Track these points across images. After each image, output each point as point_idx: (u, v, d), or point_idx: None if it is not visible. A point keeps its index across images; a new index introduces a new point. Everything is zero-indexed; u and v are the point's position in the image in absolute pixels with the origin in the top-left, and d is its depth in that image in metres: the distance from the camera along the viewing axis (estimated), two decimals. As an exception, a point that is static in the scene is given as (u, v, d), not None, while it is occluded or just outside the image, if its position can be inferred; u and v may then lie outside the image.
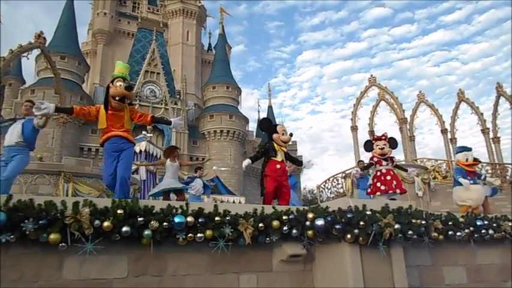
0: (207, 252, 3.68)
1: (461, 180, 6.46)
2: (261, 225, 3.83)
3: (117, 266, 3.38)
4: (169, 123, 5.27)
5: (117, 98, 4.50)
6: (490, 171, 15.79)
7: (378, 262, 3.98)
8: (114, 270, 3.36)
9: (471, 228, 5.02)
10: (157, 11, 53.66)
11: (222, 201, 16.71)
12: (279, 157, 5.40)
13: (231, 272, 3.84)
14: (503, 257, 5.35)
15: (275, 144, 5.46)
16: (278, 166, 5.34)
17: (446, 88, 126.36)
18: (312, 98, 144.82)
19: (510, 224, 5.28)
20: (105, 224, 3.19)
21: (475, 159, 6.84)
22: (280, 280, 4.04)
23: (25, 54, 15.47)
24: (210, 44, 57.80)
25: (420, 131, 41.83)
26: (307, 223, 4.02)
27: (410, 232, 4.10)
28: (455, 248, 4.99)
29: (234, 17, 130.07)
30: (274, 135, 5.51)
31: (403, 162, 16.23)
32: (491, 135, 18.25)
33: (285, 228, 3.96)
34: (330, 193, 17.41)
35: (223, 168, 37.53)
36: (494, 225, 5.20)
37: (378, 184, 6.19)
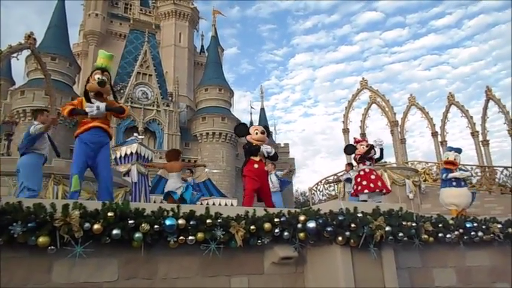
0: (198, 255, 3.66)
1: (452, 174, 6.42)
2: (252, 227, 3.83)
3: (107, 270, 3.35)
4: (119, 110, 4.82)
5: (91, 94, 4.44)
6: (479, 173, 15.97)
7: (369, 264, 3.99)
8: (104, 274, 3.33)
9: (461, 230, 5.07)
10: (150, 12, 53.50)
11: (213, 204, 16.66)
12: (258, 157, 5.39)
13: (222, 274, 3.82)
14: (493, 258, 5.41)
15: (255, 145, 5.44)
16: (256, 166, 5.32)
17: (437, 91, 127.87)
18: (305, 101, 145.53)
19: (499, 226, 5.34)
20: (95, 226, 3.16)
21: (452, 162, 6.71)
22: (272, 282, 4.04)
23: (15, 55, 15.29)
24: (202, 46, 57.78)
25: (411, 133, 42.40)
26: (299, 225, 4.02)
27: (401, 234, 4.12)
28: (445, 250, 5.04)
29: (227, 19, 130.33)
30: (247, 137, 5.50)
31: (394, 165, 16.34)
32: (480, 138, 18.48)
33: (276, 230, 3.96)
34: (322, 195, 17.47)
35: (215, 171, 37.51)
36: (484, 227, 5.26)
37: (364, 182, 6.21)
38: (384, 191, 6.26)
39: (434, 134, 19.83)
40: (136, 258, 3.44)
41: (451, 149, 7.03)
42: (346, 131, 18.34)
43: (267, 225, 3.91)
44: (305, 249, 4.21)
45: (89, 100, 4.47)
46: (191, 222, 3.58)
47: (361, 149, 6.39)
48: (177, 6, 51.80)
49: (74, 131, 4.93)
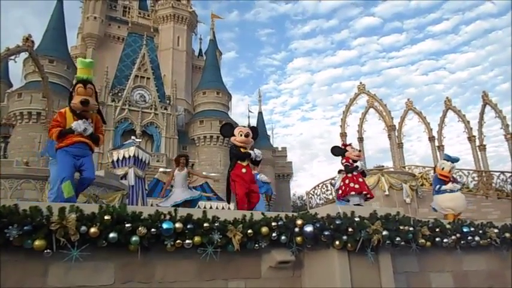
0: (195, 258, 3.65)
1: (445, 187, 6.52)
2: (249, 231, 3.82)
3: (104, 273, 3.33)
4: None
5: (77, 112, 4.37)
6: (476, 178, 16.02)
7: (366, 269, 3.99)
8: (100, 277, 3.31)
9: (458, 235, 5.08)
10: (148, 16, 53.62)
11: (211, 207, 16.64)
12: (245, 161, 5.35)
13: (219, 278, 3.81)
14: (489, 263, 5.42)
15: (241, 148, 5.39)
16: (244, 170, 5.27)
17: (434, 96, 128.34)
18: (303, 105, 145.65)
19: (496, 231, 5.35)
20: (92, 230, 3.15)
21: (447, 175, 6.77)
22: (269, 286, 4.03)
23: (12, 57, 15.27)
24: (200, 50, 57.87)
25: (408, 138, 42.59)
26: (296, 229, 4.02)
27: (398, 239, 4.13)
28: (442, 254, 5.04)
29: (226, 24, 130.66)
30: (232, 138, 5.45)
31: (392, 169, 16.38)
32: (477, 142, 18.55)
33: (273, 234, 3.96)
34: (319, 199, 17.47)
35: (212, 174, 37.38)
36: (481, 232, 5.27)
37: (352, 184, 6.19)
38: (369, 195, 6.28)
39: (431, 139, 19.89)
40: (133, 262, 3.42)
41: (448, 157, 7.05)
42: (343, 135, 18.37)
43: (264, 229, 3.90)
44: (302, 253, 4.20)
45: (74, 112, 4.41)
46: (188, 226, 3.57)
47: (354, 153, 6.34)
48: (176, 10, 51.91)
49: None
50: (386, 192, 13.19)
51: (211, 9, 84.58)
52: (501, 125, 17.94)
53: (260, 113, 55.69)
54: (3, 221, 2.88)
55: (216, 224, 3.71)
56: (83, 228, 3.11)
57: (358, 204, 6.12)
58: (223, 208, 15.55)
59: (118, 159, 14.89)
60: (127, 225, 3.30)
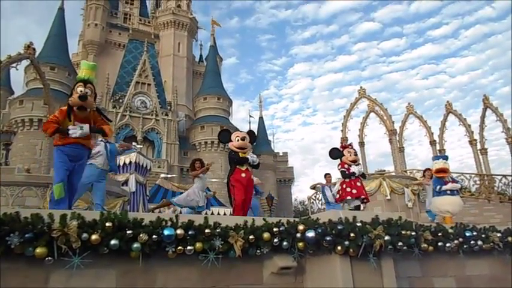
0: (196, 265, 3.63)
1: (445, 187, 6.53)
2: (251, 237, 3.81)
3: (105, 280, 3.32)
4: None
5: (75, 108, 4.40)
6: (478, 181, 15.97)
7: (369, 274, 3.97)
8: (102, 284, 3.30)
9: (460, 239, 5.05)
10: (149, 22, 53.92)
11: (212, 213, 16.61)
12: (244, 165, 5.35)
13: (221, 285, 3.79)
14: (492, 267, 5.39)
15: (240, 153, 5.39)
16: (243, 175, 5.27)
17: (435, 100, 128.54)
18: (303, 110, 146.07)
19: (498, 235, 5.33)
20: (93, 237, 3.14)
21: (443, 169, 6.75)
22: (271, 293, 4.01)
23: (14, 64, 15.34)
24: (201, 56, 58.10)
25: (410, 142, 42.56)
26: (298, 235, 4.00)
27: (400, 243, 4.11)
28: (445, 259, 5.01)
29: (227, 30, 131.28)
30: (229, 144, 5.46)
31: (393, 173, 16.34)
32: (478, 146, 18.49)
33: (275, 240, 3.94)
34: (321, 204, 17.41)
35: (213, 180, 37.32)
36: (483, 236, 5.25)
37: (348, 189, 6.17)
38: (365, 199, 6.28)
39: (432, 143, 19.85)
40: (135, 269, 3.41)
41: (437, 158, 7.06)
42: (344, 139, 18.34)
43: (266, 235, 3.89)
44: (304, 259, 4.19)
45: (70, 114, 4.43)
46: (190, 232, 3.56)
47: (350, 156, 6.29)
48: (176, 17, 52.19)
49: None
50: (388, 197, 13.13)
51: (212, 15, 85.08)
52: (502, 128, 17.90)
53: (261, 118, 55.74)
54: (5, 228, 2.88)
55: (217, 230, 3.70)
56: (85, 235, 3.10)
57: (357, 207, 6.11)
58: (224, 214, 15.51)
59: (119, 165, 14.90)
60: (128, 232, 3.29)
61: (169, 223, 3.52)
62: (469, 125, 19.04)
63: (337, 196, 6.49)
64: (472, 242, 5.11)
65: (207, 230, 3.64)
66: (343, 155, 6.31)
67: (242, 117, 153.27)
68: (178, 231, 3.49)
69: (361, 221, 4.01)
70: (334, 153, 6.43)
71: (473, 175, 16.26)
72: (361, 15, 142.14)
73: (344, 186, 6.24)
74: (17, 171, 11.19)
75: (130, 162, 14.79)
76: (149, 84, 40.70)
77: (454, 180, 6.95)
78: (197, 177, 7.81)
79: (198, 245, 3.56)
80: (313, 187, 11.80)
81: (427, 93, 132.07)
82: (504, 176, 15.34)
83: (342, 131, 18.62)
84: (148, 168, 15.88)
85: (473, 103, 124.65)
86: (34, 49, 15.92)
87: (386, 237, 3.98)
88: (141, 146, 27.07)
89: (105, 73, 40.54)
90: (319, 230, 3.91)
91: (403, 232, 4.23)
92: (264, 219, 4.11)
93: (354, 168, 6.21)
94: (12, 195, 10.03)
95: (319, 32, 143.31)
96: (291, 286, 4.13)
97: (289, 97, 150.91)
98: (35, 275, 3.09)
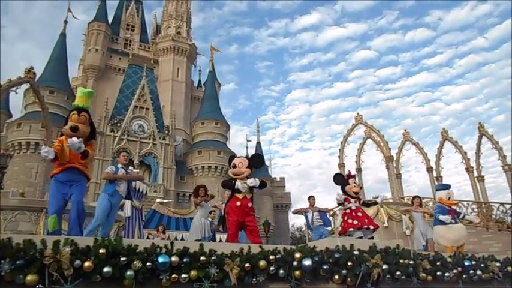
0: (191, 293, 3.55)
1: (441, 217, 6.51)
2: (247, 265, 3.73)
3: (97, 309, 3.23)
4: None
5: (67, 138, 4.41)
6: (475, 209, 15.89)
7: (367, 304, 3.88)
8: (93, 314, 3.20)
9: (459, 269, 4.98)
10: (149, 48, 54.81)
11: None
12: (241, 193, 5.27)
13: (215, 314, 3.69)
14: (492, 298, 5.29)
15: (238, 181, 5.33)
16: (238, 203, 5.20)
17: (431, 127, 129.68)
18: (301, 136, 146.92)
19: (498, 265, 5.26)
20: (86, 264, 3.07)
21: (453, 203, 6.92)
22: (267, 323, 3.90)
23: (14, 88, 15.45)
24: (200, 81, 58.83)
25: (407, 168, 42.66)
26: (295, 263, 3.93)
27: (398, 272, 4.05)
28: (444, 289, 4.92)
29: (226, 56, 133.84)
30: (229, 171, 5.44)
31: (391, 200, 16.27)
32: (475, 173, 18.53)
33: (271, 268, 3.87)
34: (329, 226, 17.21)
35: (211, 205, 37.01)
36: (482, 265, 5.17)
37: (350, 220, 6.14)
38: (372, 227, 6.19)
39: (429, 170, 19.88)
40: (127, 297, 3.32)
41: (443, 186, 7.07)
42: (341, 165, 18.34)
43: (262, 263, 3.82)
44: (301, 288, 4.10)
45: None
46: (184, 260, 3.49)
47: (355, 188, 6.33)
48: (176, 43, 53.12)
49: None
50: (386, 224, 13.02)
51: (212, 42, 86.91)
52: (498, 156, 17.99)
53: (258, 143, 55.91)
54: (-4, 255, 2.82)
55: (213, 258, 3.63)
56: (77, 262, 3.04)
57: (370, 238, 6.04)
58: (220, 240, 15.29)
59: (115, 189, 14.78)
60: (122, 258, 3.23)
61: (164, 250, 3.46)
62: (465, 152, 19.14)
63: (340, 228, 6.45)
64: (471, 271, 5.03)
65: (202, 258, 3.57)
66: (348, 184, 6.34)
67: (240, 141, 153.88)
68: (173, 259, 3.43)
69: (358, 249, 3.96)
70: (338, 179, 6.46)
71: (470, 203, 16.19)
72: (357, 44, 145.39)
73: (345, 218, 6.21)
74: (11, 195, 11.08)
75: (126, 186, 14.67)
76: (147, 109, 40.95)
77: (456, 213, 6.96)
78: (199, 205, 7.74)
79: (193, 272, 3.49)
80: (297, 212, 11.50)
81: (423, 120, 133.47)
82: (502, 203, 15.28)
83: (339, 157, 18.65)
84: (144, 192, 15.70)
85: (468, 130, 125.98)
86: (34, 73, 16.09)
87: (384, 266, 3.92)
88: (138, 171, 26.88)
89: (104, 97, 40.84)
90: (316, 258, 3.85)
91: (401, 261, 4.17)
92: (260, 247, 4.05)
93: (351, 201, 6.22)
94: (5, 220, 9.89)
95: (317, 60, 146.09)
96: (287, 316, 4.03)
97: (286, 123, 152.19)
98: (24, 303, 3.00)
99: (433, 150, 20.54)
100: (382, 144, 18.60)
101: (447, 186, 7.10)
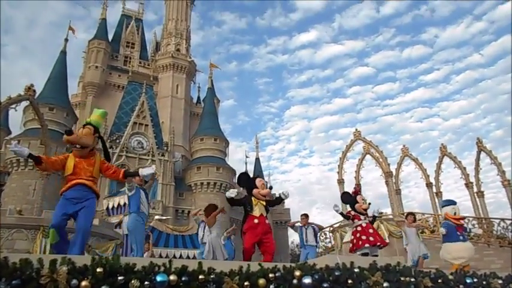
0: (189, 313, 3.49)
1: (440, 229, 6.47)
2: (246, 283, 3.68)
3: (93, 330, 3.17)
4: (137, 174, 5.17)
5: (77, 154, 4.44)
6: (476, 225, 15.80)
7: (368, 323, 3.82)
8: (89, 335, 3.14)
9: (461, 286, 4.91)
10: (148, 65, 55.31)
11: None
12: (257, 212, 5.27)
13: (214, 335, 3.62)
14: (496, 316, 5.20)
15: (253, 199, 5.37)
16: (256, 221, 5.22)
17: (430, 143, 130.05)
18: (300, 151, 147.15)
19: (500, 282, 5.19)
20: (83, 283, 3.02)
21: (456, 217, 6.87)
22: None
23: (13, 105, 15.52)
24: (199, 97, 59.18)
25: (407, 184, 42.69)
26: (294, 281, 3.88)
27: (399, 291, 4.00)
28: (446, 307, 4.84)
29: (225, 73, 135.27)
30: (254, 190, 5.44)
31: (390, 216, 16.18)
32: (475, 189, 18.48)
33: (271, 286, 3.82)
34: (318, 248, 17.06)
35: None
36: (484, 282, 5.11)
37: (364, 237, 6.11)
38: (381, 245, 6.15)
39: (428, 185, 19.84)
40: (124, 318, 3.27)
41: (449, 202, 7.03)
42: (340, 181, 18.31)
43: (261, 281, 3.77)
44: (301, 307, 4.04)
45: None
46: (183, 278, 3.44)
47: (364, 205, 6.33)
48: (175, 60, 53.63)
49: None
50: (387, 240, 12.90)
51: (211, 59, 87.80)
52: (497, 171, 17.99)
53: (257, 159, 55.91)
54: (-8, 274, 2.79)
55: (211, 276, 3.58)
56: (74, 281, 2.99)
57: (365, 254, 6.00)
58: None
59: (113, 206, 14.70)
60: (119, 278, 3.18)
61: (162, 269, 3.42)
62: (464, 168, 19.13)
63: (351, 245, 6.41)
64: (473, 289, 4.97)
65: (200, 276, 3.52)
66: (356, 202, 6.33)
67: (239, 158, 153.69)
68: (172, 277, 3.38)
69: (359, 267, 3.92)
70: (346, 198, 6.46)
71: (471, 218, 16.11)
72: (355, 61, 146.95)
73: (357, 235, 6.18)
74: (8, 212, 10.98)
75: (124, 203, 14.59)
76: (146, 125, 41.06)
77: (464, 229, 6.93)
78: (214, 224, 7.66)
79: (192, 291, 3.44)
80: (292, 225, 11.38)
81: (421, 136, 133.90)
82: (502, 219, 15.21)
83: (338, 172, 18.63)
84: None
85: (467, 146, 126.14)
86: (34, 91, 16.19)
87: (385, 284, 3.87)
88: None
89: (104, 114, 40.86)
90: (316, 276, 3.81)
91: (402, 278, 4.12)
92: (260, 265, 4.00)
93: (361, 218, 6.21)
94: (1, 238, 9.79)
95: (315, 76, 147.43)
96: (287, 336, 3.95)
97: (285, 138, 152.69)
98: (19, 324, 2.95)
99: (432, 166, 20.55)
100: (381, 159, 18.60)
101: (453, 202, 7.05)
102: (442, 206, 7.55)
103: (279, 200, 5.67)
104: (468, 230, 7.52)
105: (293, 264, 4.16)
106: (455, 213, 6.74)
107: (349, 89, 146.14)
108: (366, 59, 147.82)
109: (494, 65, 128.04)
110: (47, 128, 19.65)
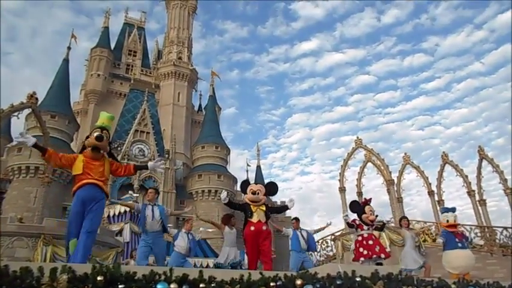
0: (190, 322, 3.46)
1: (438, 240, 6.44)
2: (247, 292, 3.67)
3: None
4: (146, 167, 5.46)
5: (89, 148, 4.55)
6: (479, 234, 15.71)
7: (370, 333, 3.79)
8: None
9: (464, 296, 4.87)
10: (150, 73, 55.56)
11: (207, 266, 16.11)
12: (255, 218, 5.29)
13: None
14: (499, 326, 5.14)
15: (252, 206, 5.39)
16: (252, 228, 5.24)
17: (431, 151, 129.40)
18: (302, 159, 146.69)
19: (503, 291, 5.14)
20: (83, 292, 3.02)
21: (454, 224, 6.80)
22: None
23: (16, 113, 15.58)
24: (200, 105, 59.36)
25: (408, 192, 42.47)
26: (296, 290, 3.86)
27: (401, 300, 3.96)
28: (449, 316, 4.80)
29: (227, 81, 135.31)
30: (244, 196, 5.48)
31: (392, 224, 16.11)
32: (477, 197, 18.41)
33: (272, 295, 3.79)
34: (320, 256, 16.98)
35: (210, 230, 36.65)
36: (487, 292, 5.06)
37: (361, 249, 6.09)
38: (383, 256, 6.10)
39: (430, 193, 19.78)
40: (124, 327, 3.24)
41: (445, 210, 7.01)
42: (342, 189, 18.28)
43: (262, 290, 3.75)
44: (302, 316, 4.00)
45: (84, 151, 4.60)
46: (184, 287, 3.43)
47: (371, 216, 6.30)
48: (177, 68, 53.90)
49: (68, 188, 4.97)
50: (388, 249, 12.82)
51: (213, 68, 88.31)
52: (499, 179, 17.93)
53: (258, 167, 55.78)
54: (-8, 282, 2.78)
55: (212, 285, 3.56)
56: (74, 290, 2.99)
57: (378, 263, 5.96)
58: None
59: (114, 214, 14.68)
60: (120, 286, 3.17)
61: (162, 277, 3.41)
62: (466, 176, 19.08)
63: (354, 255, 6.39)
64: (476, 298, 4.93)
65: (201, 285, 3.50)
66: (364, 212, 6.31)
67: (241, 165, 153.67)
68: (172, 286, 3.36)
69: (360, 276, 3.89)
70: (355, 207, 6.45)
71: (473, 227, 16.03)
72: (356, 69, 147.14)
73: (357, 245, 6.17)
74: (9, 220, 10.97)
75: (125, 211, 14.58)
76: (148, 133, 41.14)
77: (463, 236, 6.87)
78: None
79: (192, 300, 3.42)
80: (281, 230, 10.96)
81: (423, 144, 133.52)
82: (505, 228, 15.12)
83: (339, 180, 18.60)
84: (143, 217, 15.59)
85: (469, 154, 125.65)
86: (36, 98, 16.27)
87: (387, 293, 3.84)
88: (138, 195, 26.77)
89: (105, 121, 40.99)
90: (318, 285, 3.78)
91: (404, 287, 4.09)
92: (261, 273, 3.98)
93: (364, 228, 6.19)
94: (2, 246, 9.76)
95: (317, 84, 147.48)
96: None
97: (287, 146, 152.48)
98: (19, 333, 2.93)
99: (434, 174, 20.48)
100: (382, 167, 18.58)
101: (449, 210, 7.02)
102: (441, 214, 7.56)
103: (284, 208, 5.70)
104: (470, 239, 7.45)
105: (294, 273, 4.14)
106: (447, 221, 6.71)
107: (350, 97, 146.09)
108: (367, 67, 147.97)
109: (495, 74, 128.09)
110: (49, 136, 19.69)
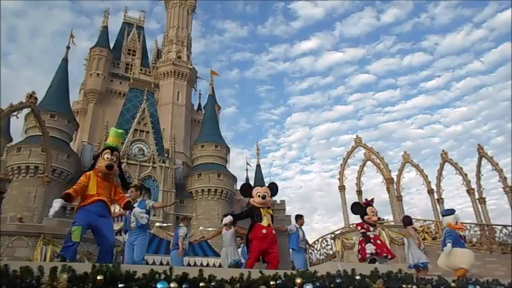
0: (190, 321, 3.47)
1: (447, 245, 6.43)
2: (247, 291, 3.67)
3: (93, 338, 3.15)
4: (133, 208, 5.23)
5: (99, 174, 4.57)
6: (478, 232, 15.73)
7: (370, 331, 3.79)
8: None
9: (463, 294, 4.88)
10: (150, 72, 55.50)
11: (207, 265, 16.12)
12: (265, 222, 5.28)
13: None
14: (499, 324, 5.16)
15: (261, 209, 5.37)
16: (264, 231, 5.24)
17: (431, 149, 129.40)
18: (301, 158, 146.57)
19: (502, 289, 5.16)
20: (83, 291, 3.02)
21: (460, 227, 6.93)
22: None
23: (15, 113, 15.57)
24: (200, 104, 59.34)
25: (408, 191, 42.47)
26: (296, 289, 3.87)
27: (401, 298, 3.97)
28: (448, 314, 4.81)
29: (227, 80, 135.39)
30: (250, 200, 5.46)
31: (392, 223, 16.13)
32: (476, 195, 18.44)
33: (272, 294, 3.80)
34: (320, 255, 17.01)
35: (210, 229, 36.63)
36: (487, 290, 5.08)
37: (369, 246, 6.10)
38: (389, 256, 6.13)
39: (430, 192, 19.81)
40: (125, 326, 3.25)
41: (450, 212, 7.04)
42: (342, 188, 18.29)
43: (262, 289, 3.75)
44: (302, 315, 4.01)
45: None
46: (184, 286, 3.43)
47: (374, 217, 6.32)
48: (176, 67, 53.86)
49: (67, 188, 4.96)
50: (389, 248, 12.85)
51: (213, 67, 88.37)
52: (499, 177, 17.95)
53: (258, 166, 55.74)
54: (-8, 282, 2.78)
55: (212, 284, 3.56)
56: (74, 289, 2.99)
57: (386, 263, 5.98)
58: (220, 265, 15.06)
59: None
60: (120, 285, 3.17)
61: (162, 276, 3.41)
62: (466, 174, 19.10)
63: (359, 256, 6.40)
64: (475, 296, 4.94)
65: (201, 284, 3.51)
66: (366, 213, 6.32)
67: (240, 165, 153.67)
68: (172, 285, 3.36)
69: (360, 274, 3.90)
70: (356, 209, 6.47)
71: (473, 225, 16.05)
72: (356, 68, 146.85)
73: (363, 245, 6.17)
74: (9, 220, 10.96)
75: (125, 211, 14.55)
76: (147, 132, 41.10)
77: (463, 239, 6.93)
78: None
79: (192, 299, 3.42)
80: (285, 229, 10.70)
81: (423, 142, 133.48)
82: (504, 226, 15.14)
83: (339, 179, 18.61)
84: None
85: (468, 152, 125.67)
86: (36, 98, 16.25)
87: (387, 292, 3.85)
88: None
89: (104, 121, 41.11)
90: (318, 284, 3.79)
91: (404, 286, 4.09)
92: (261, 272, 3.99)
93: (368, 248, 6.18)
94: (1, 246, 9.75)
95: (316, 83, 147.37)
96: None
97: (287, 145, 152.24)
98: (19, 332, 2.93)
99: (433, 172, 20.51)
100: (382, 166, 18.58)
101: (453, 211, 7.07)
102: (443, 216, 7.57)
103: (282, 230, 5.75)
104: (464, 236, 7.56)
105: (294, 272, 4.14)
106: (456, 222, 6.76)
107: (350, 96, 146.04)
108: (367, 66, 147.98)
109: (495, 72, 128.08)
110: (48, 135, 19.68)
